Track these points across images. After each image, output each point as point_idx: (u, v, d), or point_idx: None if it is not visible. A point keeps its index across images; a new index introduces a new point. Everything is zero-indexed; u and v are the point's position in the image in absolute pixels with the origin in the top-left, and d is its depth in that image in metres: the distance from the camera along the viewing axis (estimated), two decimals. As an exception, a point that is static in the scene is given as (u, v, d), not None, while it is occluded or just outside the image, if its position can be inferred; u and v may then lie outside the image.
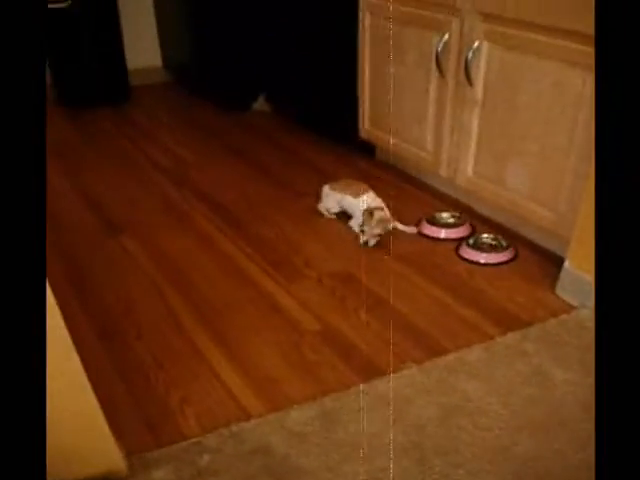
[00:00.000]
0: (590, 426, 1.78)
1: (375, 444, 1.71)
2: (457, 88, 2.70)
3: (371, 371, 1.97)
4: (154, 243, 2.66)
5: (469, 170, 2.76)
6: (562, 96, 2.27)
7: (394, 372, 1.96)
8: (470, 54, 2.54)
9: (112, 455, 1.54)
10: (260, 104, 4.41)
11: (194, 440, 1.71)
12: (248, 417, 1.79)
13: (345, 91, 3.41)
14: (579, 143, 2.25)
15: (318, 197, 3.01)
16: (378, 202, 2.72)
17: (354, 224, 2.74)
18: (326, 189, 2.85)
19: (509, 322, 2.21)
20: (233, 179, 3.32)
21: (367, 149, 3.54)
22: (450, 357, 2.04)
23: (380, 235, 2.62)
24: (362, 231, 2.63)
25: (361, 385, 1.90)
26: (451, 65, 2.69)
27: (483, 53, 2.52)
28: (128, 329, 2.15)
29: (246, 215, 2.92)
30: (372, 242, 2.63)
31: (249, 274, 2.46)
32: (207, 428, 1.75)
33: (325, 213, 2.88)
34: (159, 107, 4.58)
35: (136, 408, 1.82)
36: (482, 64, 2.54)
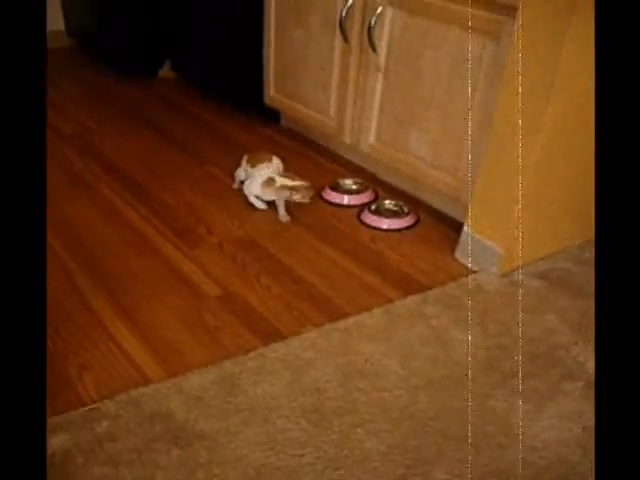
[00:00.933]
0: (487, 383, 1.83)
1: (275, 406, 1.72)
2: (361, 54, 2.69)
3: (272, 335, 1.97)
4: (54, 212, 2.57)
5: (372, 137, 2.77)
6: (462, 62, 2.29)
7: (294, 335, 1.97)
8: (373, 19, 2.53)
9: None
10: (165, 71, 4.32)
11: (92, 406, 1.68)
12: (147, 382, 1.77)
13: (250, 57, 3.38)
14: (478, 109, 2.29)
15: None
16: (278, 172, 2.70)
17: (247, 193, 2.70)
18: (243, 159, 2.79)
19: (410, 286, 2.24)
20: (137, 147, 3.25)
21: (272, 116, 3.53)
22: (350, 320, 2.06)
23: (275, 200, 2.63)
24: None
25: (260, 348, 1.91)
26: (355, 30, 2.68)
27: (386, 19, 2.52)
28: None
29: (149, 183, 2.87)
30: (260, 204, 2.66)
31: (151, 241, 2.43)
32: (106, 394, 1.72)
33: (236, 182, 2.85)
34: (61, 73, 4.44)
35: None
36: (385, 30, 2.54)
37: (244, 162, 2.75)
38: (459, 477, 1.56)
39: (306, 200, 2.56)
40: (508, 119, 2.08)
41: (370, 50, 2.60)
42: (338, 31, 2.74)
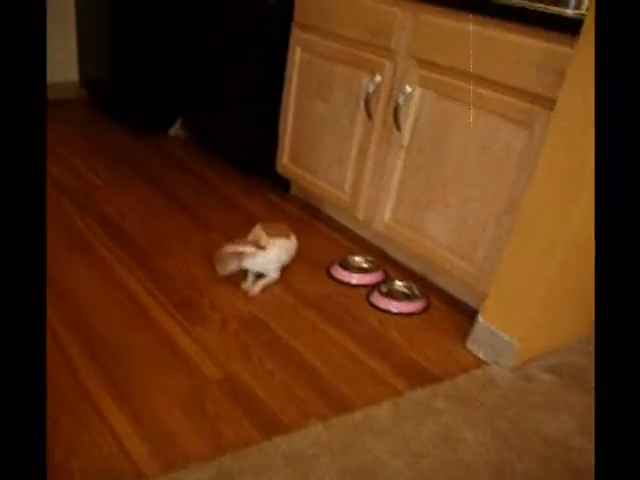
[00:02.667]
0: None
1: (275, 510, 1.61)
2: (384, 131, 2.64)
3: (274, 427, 1.87)
4: (49, 272, 2.49)
5: (387, 215, 2.70)
6: (490, 148, 2.24)
7: (298, 428, 1.87)
8: (401, 98, 2.49)
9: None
10: (176, 130, 4.28)
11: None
12: (140, 476, 1.66)
13: (265, 124, 3.33)
14: (503, 197, 2.22)
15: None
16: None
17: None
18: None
19: (419, 376, 2.15)
20: (140, 207, 3.18)
21: (282, 183, 3.46)
22: (357, 414, 1.95)
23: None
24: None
25: (262, 442, 1.80)
26: (380, 107, 2.64)
27: (415, 98, 2.47)
28: None
29: (151, 247, 2.78)
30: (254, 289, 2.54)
31: (150, 314, 2.33)
32: (92, 485, 1.61)
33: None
34: (71, 125, 4.40)
35: None
36: (412, 109, 2.49)
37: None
38: None
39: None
40: (536, 212, 2.02)
41: (394, 128, 2.55)
42: (362, 107, 2.69)
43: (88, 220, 2.97)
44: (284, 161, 3.29)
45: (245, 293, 2.50)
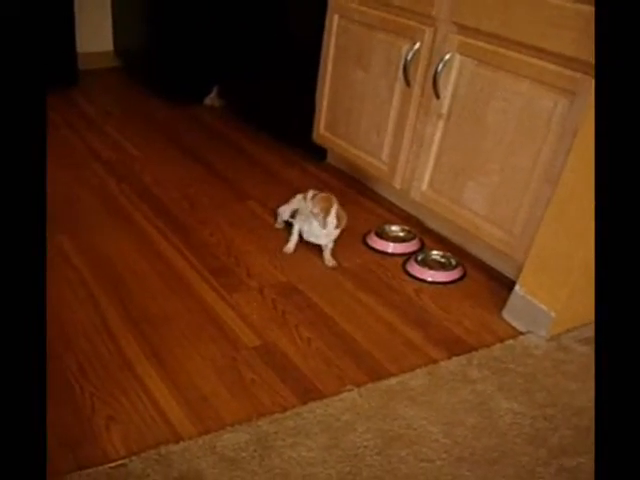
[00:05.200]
0: (533, 459, 1.73)
1: (311, 473, 1.63)
2: (422, 99, 2.62)
3: (310, 392, 1.89)
4: (89, 242, 2.53)
5: (425, 184, 2.69)
6: (531, 117, 2.21)
7: (334, 395, 1.88)
8: (440, 65, 2.46)
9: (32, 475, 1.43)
10: (212, 98, 4.29)
11: (119, 463, 1.60)
12: (178, 439, 1.69)
13: (302, 92, 3.33)
14: (543, 166, 2.20)
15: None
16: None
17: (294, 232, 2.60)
18: (297, 197, 2.67)
19: (454, 345, 2.15)
20: (178, 177, 3.20)
21: (318, 153, 3.46)
22: (392, 381, 1.96)
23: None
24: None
25: (298, 407, 1.83)
26: (419, 75, 2.61)
27: (454, 66, 2.44)
28: (55, 337, 2.01)
29: (188, 216, 2.81)
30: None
31: (188, 282, 2.36)
32: (133, 450, 1.65)
33: (278, 220, 2.76)
34: (107, 95, 4.43)
35: (58, 424, 1.69)
36: (452, 77, 2.46)
37: (300, 199, 2.62)
38: None
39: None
40: (576, 181, 2.00)
41: (433, 96, 2.53)
42: (401, 75, 2.67)
43: (126, 190, 3.01)
44: (321, 130, 3.28)
45: (282, 260, 2.53)
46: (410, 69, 2.63)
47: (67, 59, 4.35)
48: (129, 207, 2.85)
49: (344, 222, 2.51)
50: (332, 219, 2.48)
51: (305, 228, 2.56)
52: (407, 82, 2.66)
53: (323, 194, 2.51)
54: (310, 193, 2.51)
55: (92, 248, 2.50)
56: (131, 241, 2.59)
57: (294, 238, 2.58)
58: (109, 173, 3.16)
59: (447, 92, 2.49)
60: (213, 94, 4.28)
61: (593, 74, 1.93)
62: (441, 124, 2.56)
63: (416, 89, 2.64)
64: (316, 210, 2.46)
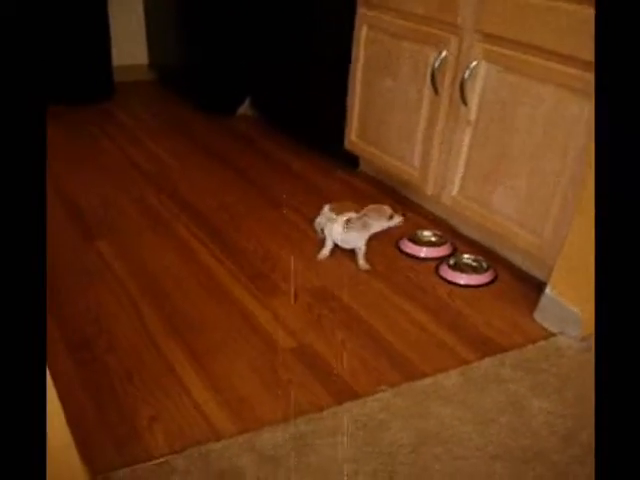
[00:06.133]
0: (566, 457, 1.76)
1: (348, 470, 1.67)
2: (450, 106, 2.67)
3: (345, 393, 1.93)
4: (130, 250, 2.61)
5: (455, 189, 2.73)
6: (557, 121, 2.25)
7: (369, 395, 1.93)
8: (467, 73, 2.51)
9: (76, 476, 1.49)
10: (245, 108, 4.36)
11: (162, 460, 1.67)
12: (218, 437, 1.74)
13: (333, 101, 3.38)
14: (571, 170, 2.23)
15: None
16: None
17: (328, 238, 2.65)
18: (325, 207, 2.73)
19: (486, 347, 2.18)
20: (214, 186, 3.27)
21: (351, 161, 3.51)
22: (426, 381, 2.00)
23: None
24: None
25: (334, 407, 1.88)
26: (446, 83, 2.66)
27: (480, 73, 2.49)
28: (98, 340, 2.09)
29: (225, 224, 2.88)
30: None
31: (226, 287, 2.42)
32: (176, 448, 1.70)
33: (317, 230, 2.80)
34: (143, 107, 4.53)
35: (103, 424, 1.76)
36: (478, 84, 2.51)
37: (327, 210, 2.69)
38: None
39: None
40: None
41: (461, 103, 2.58)
42: (429, 82, 2.72)
43: (164, 199, 3.09)
44: (352, 137, 3.33)
45: (317, 265, 2.59)
46: (437, 77, 2.68)
47: (103, 72, 4.46)
48: (167, 215, 2.93)
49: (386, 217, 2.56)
50: (342, 218, 2.56)
51: (327, 232, 2.63)
52: (435, 90, 2.71)
53: (346, 203, 2.64)
54: (327, 205, 2.69)
55: (132, 255, 2.57)
56: (170, 248, 2.66)
57: (327, 244, 2.63)
58: (148, 183, 3.25)
59: (474, 99, 2.54)
60: (246, 104, 4.35)
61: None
62: (469, 130, 2.60)
63: (444, 96, 2.69)
64: (332, 213, 2.60)
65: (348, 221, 2.52)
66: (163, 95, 4.76)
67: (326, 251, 2.63)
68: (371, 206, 2.55)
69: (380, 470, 1.68)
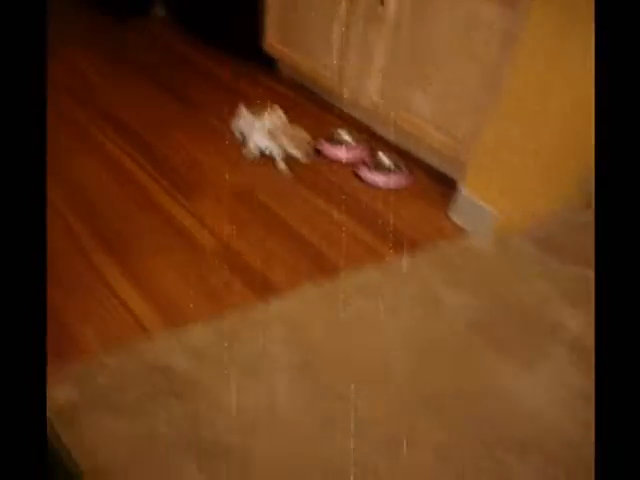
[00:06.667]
0: (476, 343, 1.89)
1: (272, 361, 1.76)
2: (368, 6, 2.65)
3: (268, 290, 2.01)
4: (58, 164, 2.56)
5: (373, 92, 2.77)
6: (476, 26, 2.29)
7: (290, 290, 2.02)
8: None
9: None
10: (159, 10, 4.24)
11: (95, 358, 1.72)
12: (149, 335, 1.81)
13: (249, 1, 3.34)
14: (485, 75, 2.29)
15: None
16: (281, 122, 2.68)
17: (251, 145, 2.69)
18: (241, 109, 2.77)
19: (403, 243, 2.28)
20: (132, 92, 3.23)
21: (268, 63, 3.50)
22: (345, 276, 2.10)
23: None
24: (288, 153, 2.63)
25: (257, 303, 1.96)
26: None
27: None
28: None
29: (146, 131, 2.86)
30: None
31: (149, 192, 2.44)
32: (107, 346, 1.76)
33: (236, 132, 2.83)
34: (50, 11, 4.34)
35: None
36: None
37: (244, 111, 2.72)
38: (448, 434, 1.63)
39: (303, 156, 2.58)
40: (518, 88, 2.11)
41: (378, 2, 2.58)
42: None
43: (85, 111, 3.02)
44: (270, 40, 3.32)
45: (241, 169, 2.63)
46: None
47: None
48: (89, 125, 2.89)
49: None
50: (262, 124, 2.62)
51: (254, 138, 2.67)
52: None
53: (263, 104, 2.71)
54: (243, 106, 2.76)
55: (58, 167, 2.53)
56: (93, 158, 2.65)
57: (249, 144, 2.68)
58: (67, 96, 3.14)
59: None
60: (158, 5, 4.22)
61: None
62: (387, 31, 2.62)
63: (361, -5, 2.67)
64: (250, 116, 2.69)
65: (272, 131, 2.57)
66: (69, 6, 4.55)
67: (249, 150, 2.68)
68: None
69: (303, 360, 1.77)
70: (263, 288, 2.02)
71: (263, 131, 2.60)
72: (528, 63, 2.05)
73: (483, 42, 2.27)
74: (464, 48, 2.35)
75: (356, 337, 1.87)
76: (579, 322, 1.98)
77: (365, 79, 2.79)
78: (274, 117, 2.65)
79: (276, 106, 2.71)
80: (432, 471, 1.56)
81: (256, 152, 2.66)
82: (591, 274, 1.96)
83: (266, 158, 2.66)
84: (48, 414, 1.50)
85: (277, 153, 2.61)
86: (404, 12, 2.53)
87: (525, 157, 2.16)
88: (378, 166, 2.66)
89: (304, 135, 2.56)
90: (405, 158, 2.76)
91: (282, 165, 2.62)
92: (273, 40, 3.31)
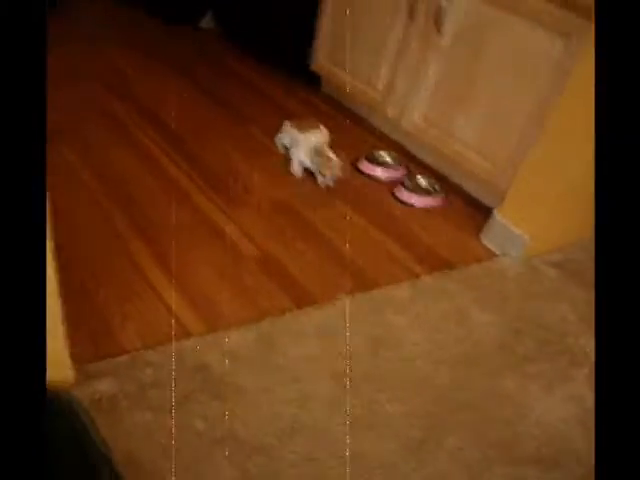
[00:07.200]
0: (500, 360, 1.97)
1: (307, 368, 1.84)
2: (424, 32, 2.72)
3: (305, 299, 2.09)
4: (96, 157, 2.67)
5: (417, 114, 2.84)
6: (527, 56, 2.35)
7: (327, 301, 2.09)
8: (445, 1, 2.57)
9: (62, 363, 1.61)
10: (207, 22, 4.33)
11: (136, 354, 1.80)
12: (188, 335, 1.88)
13: (301, 19, 3.41)
14: (533, 105, 2.35)
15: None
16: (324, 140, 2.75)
17: (294, 160, 2.76)
18: (286, 124, 2.84)
19: (435, 263, 2.35)
20: (177, 98, 3.31)
21: (313, 80, 3.57)
22: (380, 291, 2.18)
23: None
24: (322, 174, 2.66)
25: (295, 311, 2.03)
26: (422, 9, 2.70)
27: (458, 1, 2.55)
28: (67, 244, 2.11)
29: (189, 136, 2.95)
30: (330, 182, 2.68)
31: (191, 197, 2.52)
32: (148, 344, 1.83)
33: (278, 147, 2.91)
34: (99, 18, 4.45)
35: (77, 322, 1.79)
36: (455, 13, 2.57)
37: (288, 127, 2.80)
38: (469, 444, 1.70)
39: (331, 181, 2.66)
40: (565, 121, 2.17)
41: (434, 30, 2.65)
42: (404, 7, 2.77)
43: (128, 111, 3.11)
44: (319, 58, 3.39)
45: (279, 180, 2.71)
46: (414, 2, 2.73)
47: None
48: (132, 126, 2.98)
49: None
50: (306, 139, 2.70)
51: (293, 150, 2.75)
52: (410, 15, 2.76)
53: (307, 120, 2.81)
54: (288, 122, 2.82)
55: (98, 162, 2.64)
56: (135, 157, 2.73)
57: (294, 161, 2.75)
58: (111, 94, 3.25)
59: (449, 27, 2.60)
60: (208, 17, 4.31)
61: (590, 17, 2.05)
62: (439, 58, 2.68)
63: (419, 22, 2.73)
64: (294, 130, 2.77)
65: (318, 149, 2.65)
66: (118, 5, 4.65)
67: (295, 166, 2.75)
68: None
69: (338, 369, 1.85)
70: (300, 297, 2.09)
71: (306, 148, 2.67)
72: (577, 96, 2.10)
73: (533, 72, 2.33)
74: (514, 77, 2.41)
75: (389, 351, 1.95)
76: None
77: (411, 102, 2.86)
78: (318, 135, 2.72)
79: (320, 124, 2.79)
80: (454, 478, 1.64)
81: (298, 167, 2.73)
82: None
83: (307, 172, 2.73)
84: (86, 403, 1.59)
85: (317, 170, 2.68)
86: (459, 39, 2.59)
87: (565, 187, 2.24)
88: (415, 187, 2.74)
89: (338, 160, 2.62)
90: (441, 181, 2.83)
91: (322, 181, 2.69)
92: (322, 59, 3.38)
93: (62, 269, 1.44)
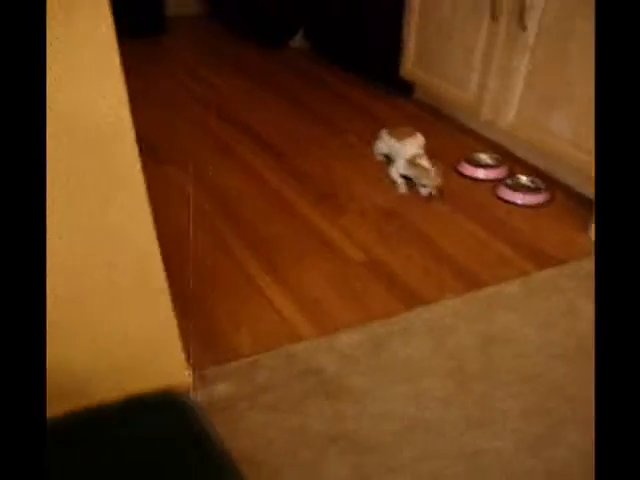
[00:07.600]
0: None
1: (420, 367, 1.83)
2: (509, 31, 2.72)
3: (414, 300, 2.08)
4: (201, 174, 2.75)
5: (512, 113, 2.82)
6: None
7: (436, 302, 2.08)
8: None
9: (178, 369, 1.65)
10: (297, 41, 4.43)
11: (250, 359, 1.83)
12: (300, 339, 1.91)
13: (388, 29, 3.45)
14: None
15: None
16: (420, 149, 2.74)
17: (393, 171, 2.76)
18: (382, 132, 2.87)
19: (544, 260, 2.31)
20: (274, 115, 3.39)
21: (405, 88, 3.59)
22: (489, 290, 2.15)
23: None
24: (422, 185, 2.66)
25: (404, 312, 2.03)
26: (506, 8, 2.71)
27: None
28: (180, 258, 2.23)
29: (288, 150, 3.01)
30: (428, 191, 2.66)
31: (296, 207, 2.56)
32: (262, 348, 1.87)
33: (376, 155, 2.93)
34: (196, 40, 4.62)
35: (194, 331, 1.91)
36: (538, 9, 2.56)
37: (385, 135, 2.82)
38: (589, 439, 1.65)
39: (432, 190, 2.64)
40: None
41: (519, 28, 2.64)
42: (488, 7, 2.78)
43: (227, 127, 3.22)
44: (408, 65, 3.41)
45: (381, 187, 2.72)
46: (497, 3, 2.73)
47: (155, 7, 4.53)
48: (233, 142, 3.07)
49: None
50: (408, 146, 2.71)
51: (399, 167, 2.74)
52: (494, 14, 2.76)
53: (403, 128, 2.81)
54: (385, 130, 2.85)
55: (203, 179, 2.72)
56: (238, 172, 2.81)
57: (396, 177, 2.75)
58: (210, 113, 3.36)
59: (534, 24, 2.59)
60: (298, 36, 4.41)
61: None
62: (527, 55, 2.67)
63: (502, 22, 2.74)
64: (391, 139, 2.78)
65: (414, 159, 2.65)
66: (214, 28, 4.83)
67: (399, 184, 2.74)
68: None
69: (450, 367, 1.84)
70: (408, 299, 2.09)
71: (404, 158, 2.67)
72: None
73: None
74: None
75: (503, 348, 1.92)
76: None
77: (504, 101, 2.84)
78: (414, 145, 2.71)
79: (416, 131, 2.78)
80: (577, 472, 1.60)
81: (398, 177, 2.73)
82: None
83: (407, 179, 2.74)
84: (205, 406, 1.62)
85: (417, 181, 2.68)
86: (545, 35, 2.57)
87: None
88: (517, 186, 2.71)
89: (435, 169, 2.60)
90: (542, 178, 2.79)
91: (421, 190, 2.67)
92: (411, 65, 3.40)
93: (173, 281, 1.48)
